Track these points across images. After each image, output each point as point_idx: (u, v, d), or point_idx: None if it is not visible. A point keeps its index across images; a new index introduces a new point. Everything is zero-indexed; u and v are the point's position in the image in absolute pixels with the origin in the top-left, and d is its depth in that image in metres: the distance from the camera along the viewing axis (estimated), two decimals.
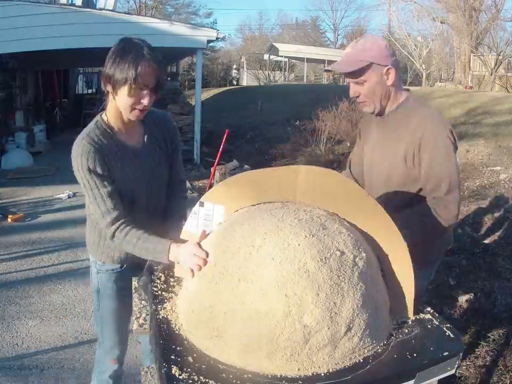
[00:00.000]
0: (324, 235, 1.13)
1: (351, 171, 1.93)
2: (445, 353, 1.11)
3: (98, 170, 1.53)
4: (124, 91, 1.43)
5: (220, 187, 1.35)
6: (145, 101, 1.46)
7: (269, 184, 1.29)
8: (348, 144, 7.67)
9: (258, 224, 1.17)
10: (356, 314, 1.07)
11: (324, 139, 7.23)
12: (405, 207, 1.61)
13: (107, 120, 1.57)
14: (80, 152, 1.55)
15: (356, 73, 1.58)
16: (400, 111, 1.64)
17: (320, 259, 1.08)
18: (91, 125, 1.57)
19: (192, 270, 1.22)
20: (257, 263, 1.08)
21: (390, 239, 1.24)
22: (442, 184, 1.54)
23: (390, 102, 1.65)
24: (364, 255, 1.16)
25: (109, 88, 1.47)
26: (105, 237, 1.61)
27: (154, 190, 1.67)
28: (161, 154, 1.69)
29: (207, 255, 1.21)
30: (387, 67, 1.57)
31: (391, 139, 1.66)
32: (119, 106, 1.49)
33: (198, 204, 1.35)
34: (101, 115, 1.58)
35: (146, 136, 1.64)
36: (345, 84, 23.45)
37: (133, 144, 1.61)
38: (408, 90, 1.70)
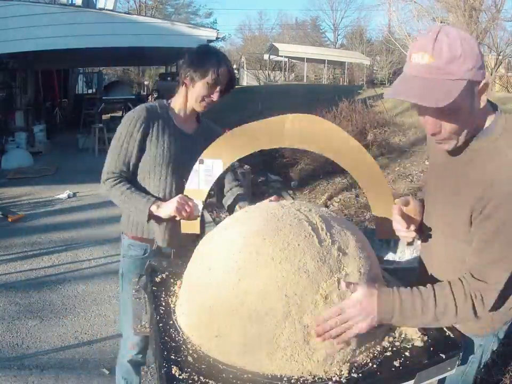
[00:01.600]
0: (324, 235, 1.13)
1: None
2: (445, 353, 1.11)
3: (135, 134, 1.71)
4: (201, 83, 1.67)
5: (217, 142, 1.54)
6: (214, 96, 1.71)
7: (260, 133, 1.52)
8: None
9: (258, 224, 1.17)
10: None
11: None
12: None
13: (170, 103, 1.80)
14: (132, 110, 1.76)
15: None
16: (479, 144, 1.10)
17: (320, 259, 1.08)
18: (153, 101, 1.85)
19: (177, 209, 1.56)
20: (257, 263, 1.08)
21: (374, 182, 1.47)
22: (488, 275, 1.07)
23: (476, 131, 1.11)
24: (365, 254, 1.16)
25: (187, 79, 1.70)
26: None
27: (182, 173, 1.73)
28: (199, 152, 1.77)
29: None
30: (483, 83, 1.03)
31: (456, 182, 1.15)
32: (192, 95, 1.73)
33: (198, 161, 1.55)
34: (166, 100, 1.82)
35: (198, 129, 1.85)
36: (345, 83, 23.45)
37: (182, 127, 1.80)
38: (495, 107, 1.14)
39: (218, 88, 1.70)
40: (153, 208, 1.64)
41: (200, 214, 1.63)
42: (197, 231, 1.67)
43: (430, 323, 1.10)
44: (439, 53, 0.98)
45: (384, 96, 1.13)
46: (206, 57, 1.69)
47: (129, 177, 1.77)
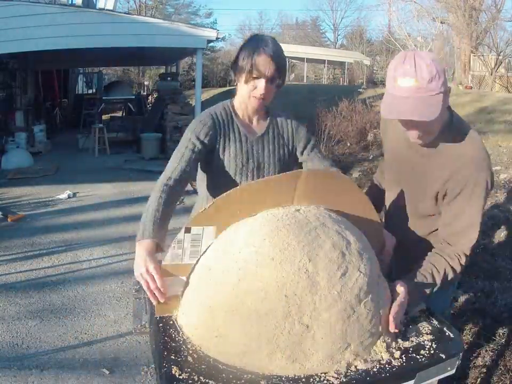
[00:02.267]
0: (325, 235, 1.13)
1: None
2: (445, 353, 1.12)
3: (201, 135, 1.59)
4: (242, 79, 1.57)
5: (210, 207, 1.18)
6: (260, 89, 1.55)
7: (266, 194, 1.21)
8: (348, 144, 7.68)
9: (258, 225, 1.17)
10: (355, 315, 1.08)
11: (324, 139, 7.23)
12: (423, 237, 1.54)
13: (233, 105, 1.69)
14: (199, 118, 1.65)
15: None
16: (441, 137, 1.39)
17: (320, 259, 1.08)
18: (218, 104, 1.71)
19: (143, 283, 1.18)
20: (257, 263, 1.08)
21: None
22: (462, 240, 1.38)
23: None
24: (365, 255, 1.16)
25: (233, 76, 1.63)
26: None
27: (254, 178, 1.66)
28: (277, 150, 1.71)
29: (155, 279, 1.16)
30: (449, 91, 1.31)
31: (423, 170, 1.45)
32: (241, 93, 1.62)
33: (183, 229, 1.17)
34: (229, 101, 1.71)
35: (270, 126, 1.71)
36: (345, 83, 23.47)
37: (250, 129, 1.69)
38: (449, 108, 1.41)
39: (262, 79, 1.54)
40: (137, 245, 1.29)
41: (181, 293, 1.23)
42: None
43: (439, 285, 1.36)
44: (421, 75, 1.23)
45: (384, 116, 1.32)
46: (244, 49, 1.57)
47: (183, 186, 1.57)
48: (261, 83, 1.54)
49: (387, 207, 1.68)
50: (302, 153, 1.74)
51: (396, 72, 1.27)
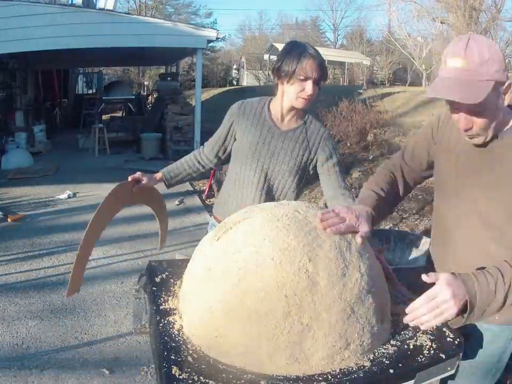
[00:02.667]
0: (325, 235, 1.13)
1: (404, 159, 1.53)
2: (445, 353, 1.11)
3: (227, 124, 1.89)
4: (290, 81, 1.68)
5: None
6: (308, 90, 1.66)
7: None
8: (348, 144, 7.67)
9: (258, 225, 1.17)
10: (355, 315, 1.07)
11: None
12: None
13: (270, 104, 1.84)
14: (237, 104, 1.89)
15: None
16: (509, 139, 1.24)
17: (320, 259, 1.08)
18: (261, 97, 1.90)
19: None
20: (257, 263, 1.08)
21: None
22: None
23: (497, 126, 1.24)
24: (365, 255, 1.16)
25: (277, 79, 1.74)
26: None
27: (264, 169, 1.81)
28: (297, 151, 1.81)
29: None
30: (508, 82, 1.19)
31: (502, 176, 1.23)
32: (286, 95, 1.73)
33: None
34: (270, 98, 1.86)
35: (297, 128, 1.82)
36: (345, 84, 23.42)
37: (277, 124, 1.82)
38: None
39: (310, 81, 1.66)
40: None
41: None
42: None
43: (500, 303, 1.13)
44: (471, 57, 1.14)
45: (427, 95, 1.23)
46: (290, 53, 1.68)
47: (213, 160, 1.98)
48: (309, 85, 1.66)
49: (447, 221, 1.38)
50: (322, 165, 1.82)
51: (446, 53, 1.20)
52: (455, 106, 1.21)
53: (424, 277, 1.10)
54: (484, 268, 1.17)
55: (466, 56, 1.14)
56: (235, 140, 1.88)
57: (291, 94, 1.70)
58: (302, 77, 1.65)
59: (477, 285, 1.11)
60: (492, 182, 1.24)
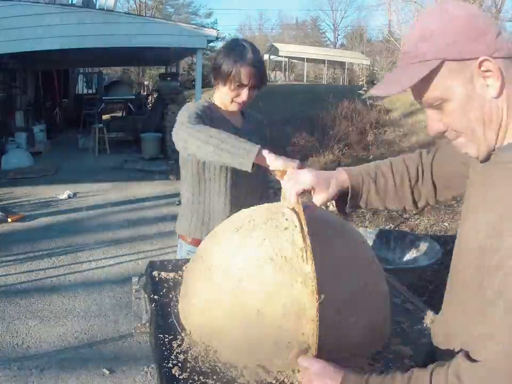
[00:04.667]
0: (324, 237, 1.13)
1: (433, 160, 1.11)
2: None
3: (200, 113, 1.59)
4: (226, 85, 1.63)
5: None
6: (243, 97, 1.64)
7: None
8: (348, 144, 7.67)
9: (258, 225, 1.17)
10: (357, 313, 1.07)
11: (324, 139, 7.23)
12: None
13: (214, 102, 1.76)
14: (191, 105, 1.69)
15: (420, 89, 0.81)
16: (506, 156, 0.80)
17: (320, 259, 1.08)
18: (199, 101, 1.81)
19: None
20: (257, 263, 1.08)
21: None
22: (488, 343, 0.73)
23: (502, 132, 0.80)
24: (366, 252, 1.16)
25: (213, 79, 1.70)
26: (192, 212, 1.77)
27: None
28: (254, 140, 1.75)
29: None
30: (479, 60, 0.75)
31: (486, 200, 0.83)
32: (222, 97, 1.69)
33: None
34: (208, 99, 1.79)
35: (245, 122, 1.81)
36: (345, 84, 23.45)
37: (234, 123, 1.77)
38: None
39: (244, 88, 1.63)
40: (263, 152, 1.29)
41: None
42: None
43: None
44: (412, 35, 0.82)
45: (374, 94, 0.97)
46: (227, 56, 1.62)
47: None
48: (244, 92, 1.63)
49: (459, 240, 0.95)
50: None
51: None
52: (425, 106, 0.86)
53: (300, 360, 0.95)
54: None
55: (407, 34, 0.85)
56: None
57: (226, 97, 1.67)
58: (237, 83, 1.61)
59: None
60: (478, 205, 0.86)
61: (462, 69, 0.77)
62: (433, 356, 0.99)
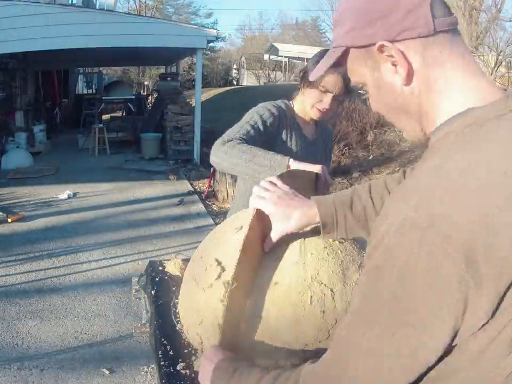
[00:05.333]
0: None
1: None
2: None
3: (268, 122, 1.63)
4: (310, 88, 1.64)
5: None
6: (325, 104, 1.63)
7: None
8: (348, 144, 7.67)
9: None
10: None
11: None
12: None
13: (294, 106, 1.77)
14: (264, 104, 1.70)
15: (348, 74, 0.80)
16: (433, 139, 0.71)
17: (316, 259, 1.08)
18: (279, 101, 1.77)
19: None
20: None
21: None
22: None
23: (427, 118, 0.72)
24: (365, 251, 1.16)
25: (300, 82, 1.70)
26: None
27: None
28: (323, 151, 1.87)
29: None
30: (376, 46, 0.69)
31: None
32: (305, 101, 1.69)
33: None
34: (288, 100, 1.79)
35: (317, 132, 1.83)
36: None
37: (305, 132, 1.78)
38: (505, 91, 0.68)
39: (329, 95, 1.62)
40: (292, 162, 1.39)
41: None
42: None
43: None
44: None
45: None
46: (316, 63, 1.63)
47: None
48: (327, 98, 1.62)
49: None
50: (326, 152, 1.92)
51: None
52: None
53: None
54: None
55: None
56: (270, 145, 1.67)
57: (307, 101, 1.68)
58: (322, 88, 1.61)
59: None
60: None
61: (365, 56, 0.72)
62: None
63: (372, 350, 0.60)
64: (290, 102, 1.79)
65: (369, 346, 0.60)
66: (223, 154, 1.46)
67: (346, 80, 1.59)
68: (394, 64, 0.69)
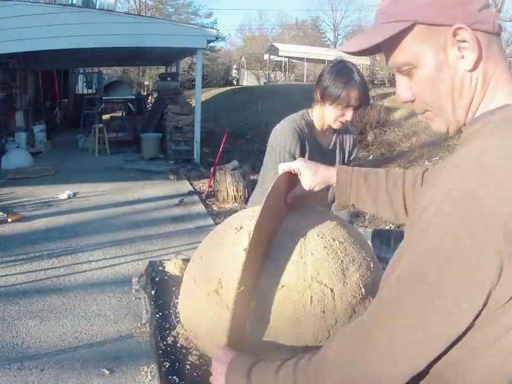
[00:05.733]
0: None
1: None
2: None
3: (296, 154, 1.75)
4: (332, 105, 1.71)
5: None
6: (348, 117, 1.73)
7: None
8: None
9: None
10: (356, 315, 1.07)
11: None
12: None
13: (311, 117, 1.85)
14: (286, 133, 1.77)
15: (390, 52, 0.77)
16: (470, 130, 0.74)
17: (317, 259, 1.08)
18: (297, 114, 1.86)
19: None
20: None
21: None
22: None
23: (473, 108, 0.75)
24: (365, 251, 1.16)
25: (320, 98, 1.75)
26: None
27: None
28: (340, 159, 1.95)
29: None
30: (454, 27, 0.70)
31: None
32: (325, 115, 1.77)
33: None
34: (307, 111, 1.87)
35: (335, 139, 1.93)
36: None
37: (323, 142, 1.89)
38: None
39: (351, 108, 1.72)
40: None
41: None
42: None
43: None
44: None
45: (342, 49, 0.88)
46: (337, 77, 1.70)
47: None
48: (350, 112, 1.72)
49: None
50: (349, 159, 2.00)
51: None
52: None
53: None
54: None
55: None
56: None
57: (330, 116, 1.75)
58: (345, 104, 1.69)
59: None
60: None
61: (434, 35, 0.72)
62: None
63: (417, 311, 0.64)
64: (308, 111, 1.85)
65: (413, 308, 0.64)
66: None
67: (364, 92, 1.70)
68: (460, 49, 0.71)
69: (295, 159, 1.66)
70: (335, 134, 1.94)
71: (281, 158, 1.74)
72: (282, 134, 1.78)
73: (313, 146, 1.83)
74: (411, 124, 8.07)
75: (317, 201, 1.29)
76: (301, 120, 1.83)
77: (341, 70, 1.72)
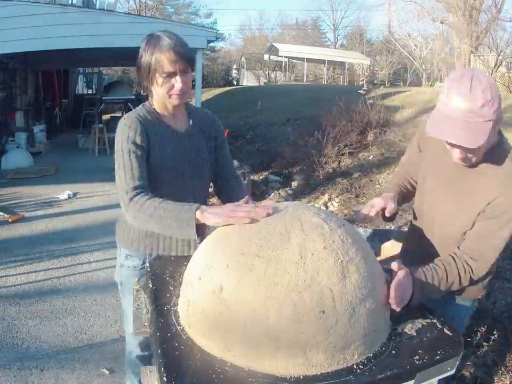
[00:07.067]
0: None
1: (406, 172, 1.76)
2: (445, 353, 1.11)
3: (138, 140, 1.55)
4: (156, 81, 1.52)
5: None
6: (177, 86, 1.52)
7: None
8: (348, 144, 7.66)
9: (257, 225, 1.17)
10: (356, 315, 1.07)
11: (324, 139, 7.23)
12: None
13: (153, 106, 1.65)
14: (124, 123, 1.58)
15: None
16: (487, 159, 1.38)
17: (318, 260, 1.08)
18: (140, 105, 1.68)
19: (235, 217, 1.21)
20: (255, 263, 1.08)
21: None
22: (483, 259, 1.40)
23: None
24: (364, 251, 1.16)
25: (143, 80, 1.57)
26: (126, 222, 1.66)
27: (193, 174, 1.70)
28: (204, 142, 1.74)
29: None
30: (500, 117, 1.29)
31: (469, 192, 1.42)
32: (157, 94, 1.58)
33: None
34: (147, 102, 1.67)
35: (191, 120, 1.72)
36: (345, 84, 23.46)
37: (176, 126, 1.68)
38: (500, 132, 1.40)
39: (175, 76, 1.51)
40: (198, 215, 1.34)
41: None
42: None
43: (440, 295, 1.39)
44: (475, 100, 1.21)
45: (429, 134, 1.30)
46: (144, 52, 1.52)
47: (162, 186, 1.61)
48: (176, 80, 1.51)
49: (417, 212, 1.64)
50: (217, 147, 1.79)
51: (450, 90, 1.25)
52: (455, 145, 1.29)
53: (393, 265, 1.24)
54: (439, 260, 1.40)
55: (471, 98, 1.21)
56: (147, 157, 1.59)
57: (161, 93, 1.55)
58: (164, 74, 1.50)
59: (424, 284, 1.32)
60: (463, 192, 1.45)
61: (495, 125, 1.27)
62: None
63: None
64: (148, 102, 1.67)
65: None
66: (137, 214, 1.44)
67: (179, 52, 1.49)
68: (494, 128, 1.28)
69: (135, 144, 1.52)
70: (188, 114, 1.72)
71: (123, 147, 1.53)
72: (121, 124, 1.59)
73: (163, 131, 1.62)
74: (411, 124, 8.06)
75: None
76: (141, 109, 1.63)
77: (149, 40, 1.52)
